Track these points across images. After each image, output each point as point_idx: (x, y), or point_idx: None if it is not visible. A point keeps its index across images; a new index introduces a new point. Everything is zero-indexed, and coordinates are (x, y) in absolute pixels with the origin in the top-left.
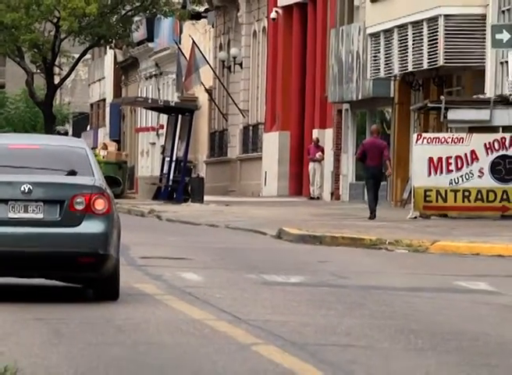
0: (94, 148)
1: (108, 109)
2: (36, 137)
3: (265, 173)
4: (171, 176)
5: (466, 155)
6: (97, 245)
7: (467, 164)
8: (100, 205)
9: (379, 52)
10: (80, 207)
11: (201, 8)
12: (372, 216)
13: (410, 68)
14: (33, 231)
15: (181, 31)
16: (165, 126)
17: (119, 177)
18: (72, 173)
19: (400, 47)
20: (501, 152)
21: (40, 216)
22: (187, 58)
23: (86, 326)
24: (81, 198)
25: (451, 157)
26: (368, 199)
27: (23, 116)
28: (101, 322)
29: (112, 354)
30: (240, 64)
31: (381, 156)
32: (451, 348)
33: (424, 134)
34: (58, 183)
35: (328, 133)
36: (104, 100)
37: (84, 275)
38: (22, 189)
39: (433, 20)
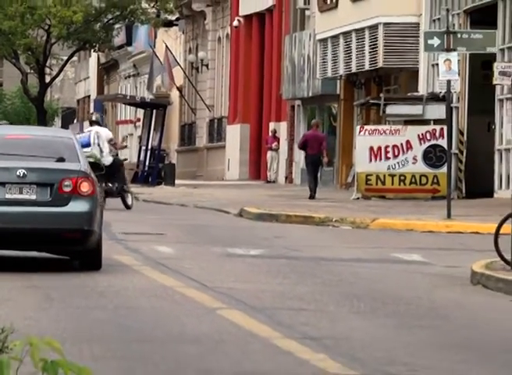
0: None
1: (92, 105)
2: (29, 129)
3: (228, 160)
4: (147, 163)
5: (402, 144)
6: (82, 222)
7: (403, 152)
8: (85, 187)
9: (327, 55)
10: (67, 189)
11: (173, 17)
12: (312, 196)
13: (353, 69)
14: (27, 210)
15: (155, 37)
16: (141, 120)
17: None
18: (61, 159)
19: (345, 51)
20: (432, 142)
21: (33, 197)
22: (161, 60)
23: (73, 293)
24: (69, 181)
25: (389, 146)
26: (308, 181)
27: (19, 111)
28: (86, 289)
29: (95, 316)
30: (207, 65)
31: (319, 146)
32: (389, 311)
33: (365, 126)
34: (48, 169)
35: (283, 125)
36: (88, 96)
37: (71, 248)
38: (17, 173)
39: (374, 28)
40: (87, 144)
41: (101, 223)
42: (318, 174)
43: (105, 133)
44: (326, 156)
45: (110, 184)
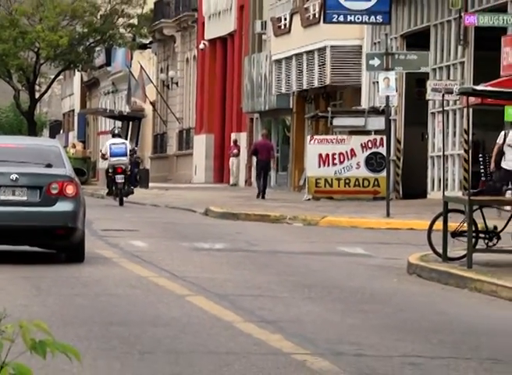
0: (65, 147)
1: (76, 117)
2: (21, 139)
3: (195, 165)
4: None
5: (347, 152)
6: (67, 220)
7: (348, 159)
8: (70, 189)
9: (281, 74)
10: (54, 191)
11: (147, 41)
12: (260, 196)
13: (304, 86)
14: (19, 210)
15: (131, 58)
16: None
17: (85, 169)
18: (49, 165)
19: (297, 70)
20: (373, 150)
21: (24, 198)
22: (136, 78)
23: (59, 282)
24: (56, 184)
25: (336, 153)
26: (257, 184)
27: (12, 123)
28: (71, 279)
29: (78, 303)
30: (176, 83)
31: (269, 153)
32: (336, 297)
33: (315, 136)
34: (38, 174)
35: (243, 135)
36: (73, 110)
37: (58, 243)
38: (11, 178)
39: (322, 50)
40: (123, 154)
41: (84, 220)
42: (268, 178)
43: (128, 144)
44: (274, 162)
45: (132, 186)
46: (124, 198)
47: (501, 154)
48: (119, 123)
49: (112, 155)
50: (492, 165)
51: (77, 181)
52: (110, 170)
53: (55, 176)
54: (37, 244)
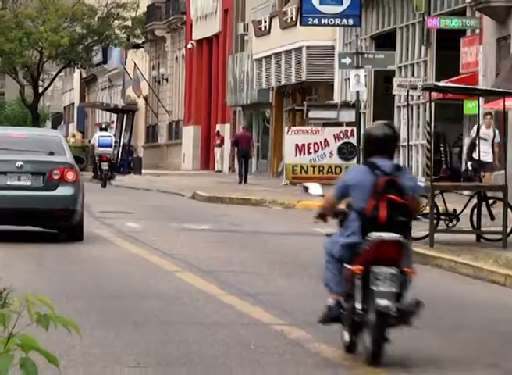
0: (66, 137)
1: (75, 110)
2: (26, 129)
3: (184, 154)
4: (119, 156)
5: (321, 142)
6: (68, 203)
7: (322, 148)
8: (70, 175)
9: (262, 71)
10: (56, 177)
11: (140, 41)
12: (241, 181)
13: (282, 82)
14: (24, 194)
15: (126, 57)
16: (115, 122)
17: (83, 157)
18: (51, 153)
19: (276, 68)
20: (345, 140)
21: (29, 183)
22: (131, 75)
23: (60, 259)
24: (57, 170)
25: (311, 143)
26: (238, 171)
27: (17, 115)
28: (71, 256)
29: (77, 278)
30: (167, 79)
31: (248, 143)
32: (310, 273)
33: (292, 128)
34: (41, 161)
35: (227, 127)
36: (73, 104)
37: (59, 224)
38: (16, 165)
39: (298, 50)
40: (109, 145)
41: (83, 203)
42: (249, 165)
43: (113, 137)
44: (253, 151)
45: (114, 173)
46: (107, 182)
47: (473, 146)
48: (114, 116)
49: (99, 146)
50: (465, 156)
51: (77, 168)
52: (97, 158)
53: (56, 163)
54: (40, 224)
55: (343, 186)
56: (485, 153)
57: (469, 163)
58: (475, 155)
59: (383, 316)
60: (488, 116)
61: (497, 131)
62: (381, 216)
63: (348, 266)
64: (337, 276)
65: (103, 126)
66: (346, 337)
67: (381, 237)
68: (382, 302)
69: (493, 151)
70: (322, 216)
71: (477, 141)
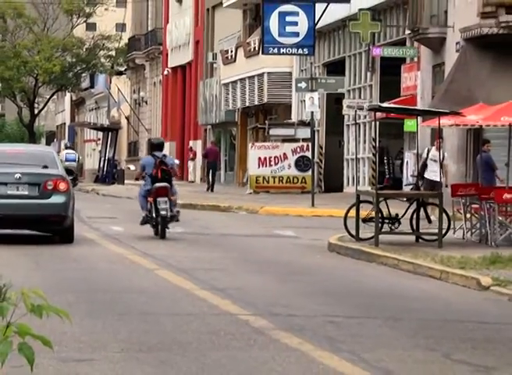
0: (58, 152)
1: (67, 129)
2: (23, 146)
3: None
4: (105, 169)
5: (280, 155)
6: (60, 210)
7: (281, 161)
8: (62, 186)
9: (229, 94)
10: (50, 187)
11: (122, 68)
12: (209, 189)
13: (247, 103)
14: (22, 202)
15: (110, 82)
16: (101, 139)
17: (73, 169)
18: (45, 166)
19: (241, 91)
20: (301, 154)
21: (26, 192)
22: (115, 98)
23: (53, 258)
24: (51, 181)
25: (272, 157)
26: (206, 180)
27: (16, 133)
28: (63, 255)
29: (69, 275)
30: (146, 101)
31: (216, 156)
32: (271, 270)
33: (256, 143)
34: (37, 173)
35: (199, 143)
36: (65, 123)
37: (53, 228)
38: (15, 176)
39: (261, 75)
40: (74, 160)
41: (73, 210)
42: (217, 175)
43: (77, 154)
44: (218, 163)
45: (77, 181)
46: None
47: (424, 166)
48: (100, 134)
49: (66, 160)
50: (417, 176)
51: (68, 179)
52: None
53: (50, 175)
54: (36, 228)
55: (142, 165)
56: (435, 172)
57: (420, 182)
58: (427, 175)
59: (164, 218)
60: (440, 140)
61: (446, 154)
62: (159, 176)
63: (148, 198)
64: (145, 203)
65: (68, 145)
66: (153, 230)
67: (159, 185)
68: (163, 212)
69: (441, 171)
70: (137, 178)
71: (428, 162)
